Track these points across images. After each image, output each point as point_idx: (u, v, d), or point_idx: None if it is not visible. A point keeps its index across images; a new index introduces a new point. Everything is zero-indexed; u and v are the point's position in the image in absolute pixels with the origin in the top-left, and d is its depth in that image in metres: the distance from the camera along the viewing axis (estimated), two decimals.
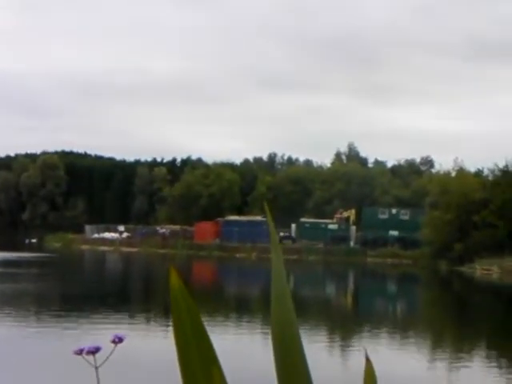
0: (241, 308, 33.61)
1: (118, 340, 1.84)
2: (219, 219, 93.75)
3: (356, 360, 19.22)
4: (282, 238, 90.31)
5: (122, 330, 22.53)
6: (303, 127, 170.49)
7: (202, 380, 1.25)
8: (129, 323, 25.13)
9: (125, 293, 39.09)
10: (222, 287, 46.40)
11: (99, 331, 20.92)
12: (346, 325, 29.37)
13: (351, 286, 56.34)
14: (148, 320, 27.14)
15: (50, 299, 33.19)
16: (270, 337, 1.29)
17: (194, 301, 1.25)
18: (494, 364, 21.09)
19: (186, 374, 1.27)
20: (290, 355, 1.34)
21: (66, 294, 35.76)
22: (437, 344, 24.94)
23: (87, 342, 1.82)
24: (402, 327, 29.47)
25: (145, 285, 46.28)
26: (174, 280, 1.26)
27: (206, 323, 1.24)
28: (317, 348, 20.62)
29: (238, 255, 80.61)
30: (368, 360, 1.31)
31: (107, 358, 1.81)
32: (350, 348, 22.40)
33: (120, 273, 57.13)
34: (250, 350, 20.46)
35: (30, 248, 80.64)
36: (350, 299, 44.15)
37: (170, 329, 1.24)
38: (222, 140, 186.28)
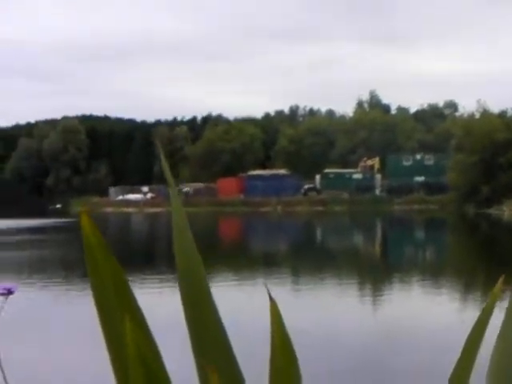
0: (269, 261, 33.11)
1: (7, 292, 1.82)
2: (242, 174, 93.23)
3: (387, 308, 18.71)
4: (306, 190, 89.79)
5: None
6: (324, 77, 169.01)
7: (119, 325, 1.19)
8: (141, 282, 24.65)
9: (147, 254, 38.67)
10: (248, 242, 45.93)
11: None
12: (375, 273, 28.81)
13: (379, 234, 55.74)
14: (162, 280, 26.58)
15: (74, 264, 32.85)
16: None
17: (106, 241, 1.20)
18: None
19: (103, 319, 1.22)
20: (197, 300, 1.28)
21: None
22: (469, 287, 24.35)
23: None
24: (434, 273, 28.86)
25: (168, 245, 45.80)
26: (85, 221, 1.21)
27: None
28: (346, 297, 20.11)
29: (262, 209, 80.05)
30: (272, 300, 1.26)
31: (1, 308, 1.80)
32: (380, 297, 21.85)
33: (145, 234, 56.83)
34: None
35: (55, 214, 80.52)
36: (378, 248, 43.57)
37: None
38: (242, 96, 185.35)
